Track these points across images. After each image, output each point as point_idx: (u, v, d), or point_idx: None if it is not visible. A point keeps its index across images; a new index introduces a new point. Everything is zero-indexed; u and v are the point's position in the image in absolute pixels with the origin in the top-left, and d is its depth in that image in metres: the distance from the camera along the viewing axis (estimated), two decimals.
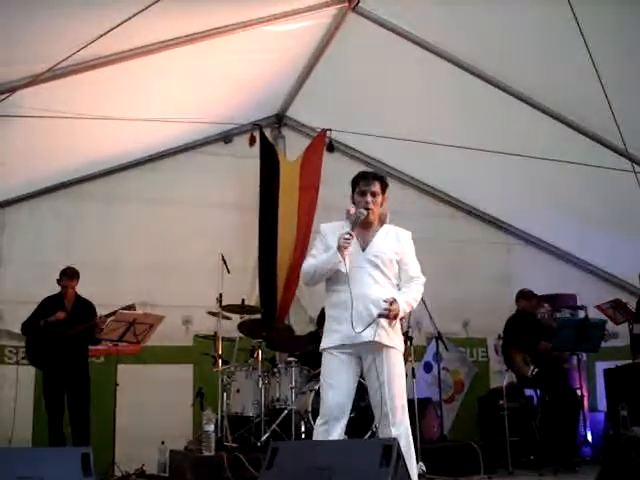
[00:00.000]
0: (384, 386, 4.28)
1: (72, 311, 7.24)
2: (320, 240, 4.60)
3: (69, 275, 7.28)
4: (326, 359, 4.45)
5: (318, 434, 4.36)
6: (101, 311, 7.23)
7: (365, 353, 4.40)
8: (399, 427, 4.28)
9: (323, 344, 4.48)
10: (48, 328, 7.05)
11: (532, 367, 7.59)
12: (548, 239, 9.97)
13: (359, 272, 4.39)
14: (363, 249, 4.48)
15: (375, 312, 4.31)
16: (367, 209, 4.46)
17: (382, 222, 4.64)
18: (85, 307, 7.34)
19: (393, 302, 4.31)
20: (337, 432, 4.31)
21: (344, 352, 4.39)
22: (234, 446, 6.67)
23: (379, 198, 4.55)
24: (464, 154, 7.84)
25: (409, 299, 4.48)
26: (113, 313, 7.11)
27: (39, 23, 5.25)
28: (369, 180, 4.55)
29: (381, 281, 4.44)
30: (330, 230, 4.57)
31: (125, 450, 7.27)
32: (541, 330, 7.65)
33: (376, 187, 4.54)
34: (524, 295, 8.14)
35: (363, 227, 4.51)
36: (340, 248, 4.29)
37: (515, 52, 6.55)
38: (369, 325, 4.26)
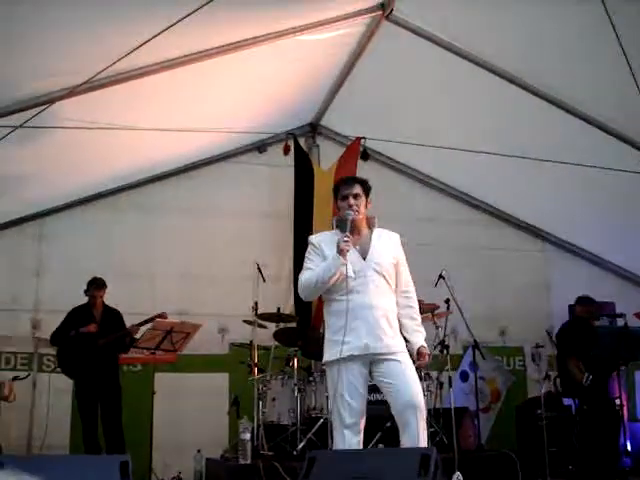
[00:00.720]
0: (404, 389, 4.27)
1: (101, 321, 7.31)
2: (314, 252, 4.50)
3: (98, 285, 7.33)
4: (333, 371, 4.34)
5: (336, 445, 4.30)
6: (138, 320, 7.27)
7: (377, 361, 4.35)
8: (421, 432, 4.23)
9: (328, 356, 4.37)
10: (79, 339, 7.11)
11: (587, 374, 7.45)
12: (585, 246, 9.85)
13: (364, 281, 4.36)
14: (364, 257, 4.43)
15: (383, 324, 4.34)
16: (353, 211, 4.43)
17: (372, 226, 4.58)
18: (114, 316, 7.41)
19: (421, 353, 4.47)
20: (356, 440, 4.29)
21: (353, 362, 4.32)
22: (270, 454, 6.67)
23: (362, 200, 4.50)
24: (499, 161, 7.78)
25: (422, 330, 4.61)
26: (145, 322, 7.16)
27: (75, 37, 5.32)
28: (350, 184, 4.53)
29: (385, 290, 4.44)
30: (323, 240, 4.52)
31: (162, 458, 7.35)
32: (593, 336, 7.53)
33: (357, 190, 4.50)
34: (580, 301, 8.03)
35: (355, 233, 4.47)
36: (342, 251, 4.24)
37: (554, 59, 6.50)
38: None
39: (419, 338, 4.54)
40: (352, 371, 4.31)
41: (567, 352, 7.67)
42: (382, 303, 4.38)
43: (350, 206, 4.43)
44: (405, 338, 4.57)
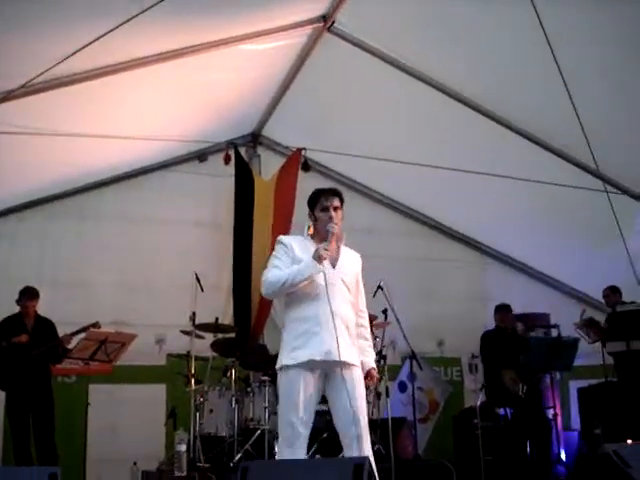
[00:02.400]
0: (354, 404, 4.23)
1: (33, 331, 7.13)
2: (284, 252, 4.46)
3: (30, 295, 7.16)
4: (290, 376, 4.28)
5: (283, 456, 4.23)
6: (72, 330, 7.13)
7: (332, 372, 4.31)
8: (368, 446, 4.24)
9: (286, 361, 4.30)
10: (10, 349, 6.94)
11: (521, 385, 7.56)
12: (522, 258, 10.03)
13: (332, 289, 4.34)
14: (333, 265, 4.44)
15: (346, 334, 4.33)
16: (335, 224, 4.43)
17: (340, 241, 4.57)
18: (46, 326, 7.24)
19: (371, 375, 4.52)
20: (304, 452, 4.24)
21: (311, 369, 4.27)
22: (206, 466, 6.60)
23: (340, 213, 4.53)
24: (438, 174, 7.87)
25: (372, 351, 4.68)
26: (78, 332, 7.01)
27: (12, 40, 5.23)
28: (331, 196, 4.55)
29: (349, 301, 4.45)
30: (295, 242, 4.51)
31: (96, 470, 7.17)
32: (520, 344, 7.66)
33: (337, 202, 4.53)
34: (497, 309, 8.18)
35: (332, 245, 4.43)
36: (320, 258, 4.23)
37: (487, 72, 6.65)
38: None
39: (370, 359, 4.57)
40: (310, 381, 4.26)
41: (499, 364, 7.78)
42: (346, 313, 4.39)
43: (331, 218, 4.45)
44: None
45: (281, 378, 4.34)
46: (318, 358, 4.25)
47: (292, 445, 4.18)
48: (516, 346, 7.62)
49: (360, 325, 4.59)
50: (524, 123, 7.10)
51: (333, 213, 4.47)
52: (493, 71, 6.55)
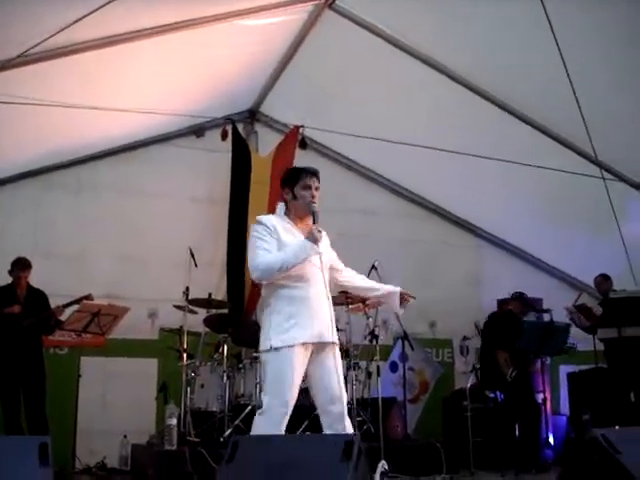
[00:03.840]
0: (340, 383, 4.32)
1: (25, 301, 7.09)
2: (269, 234, 4.37)
3: (22, 266, 7.12)
4: (284, 357, 4.26)
5: (267, 430, 4.18)
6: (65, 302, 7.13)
7: (323, 351, 4.36)
8: (350, 423, 4.32)
9: (279, 342, 4.27)
10: (2, 320, 6.91)
11: (511, 369, 7.59)
12: (516, 242, 10.04)
13: (316, 271, 4.37)
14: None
15: (331, 314, 4.40)
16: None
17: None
18: (38, 297, 7.21)
19: (404, 294, 4.73)
20: (284, 427, 4.25)
21: (304, 350, 4.29)
22: (196, 441, 6.63)
23: (318, 194, 4.49)
24: (436, 155, 7.87)
25: None
26: (70, 303, 7.01)
27: (11, 8, 5.17)
28: (312, 176, 4.49)
29: (328, 283, 4.47)
30: (276, 222, 4.43)
31: (86, 443, 7.20)
32: (522, 331, 7.69)
33: (317, 183, 4.49)
34: (516, 297, 8.15)
35: (307, 225, 4.44)
36: (316, 240, 4.23)
37: (490, 55, 6.62)
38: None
39: (386, 285, 4.78)
40: (301, 362, 4.29)
41: (495, 344, 7.80)
42: (328, 294, 4.41)
43: (314, 197, 4.42)
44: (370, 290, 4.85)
45: (274, 358, 4.29)
46: (313, 340, 4.29)
47: (280, 423, 4.20)
48: (515, 331, 7.65)
49: (355, 275, 4.76)
50: (527, 109, 7.09)
51: (315, 192, 4.45)
52: (497, 55, 6.51)
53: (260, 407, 4.29)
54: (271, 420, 4.24)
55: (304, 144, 8.71)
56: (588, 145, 6.82)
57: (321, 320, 4.33)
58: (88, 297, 7.02)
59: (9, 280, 7.15)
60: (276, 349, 4.28)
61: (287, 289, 4.36)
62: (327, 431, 4.29)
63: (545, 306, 8.57)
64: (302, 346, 4.28)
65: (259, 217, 4.49)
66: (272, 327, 4.33)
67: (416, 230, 9.72)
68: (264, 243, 4.35)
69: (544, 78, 6.44)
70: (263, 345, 4.34)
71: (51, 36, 5.35)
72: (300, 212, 4.44)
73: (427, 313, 9.44)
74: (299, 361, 4.27)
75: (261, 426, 4.21)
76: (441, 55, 6.88)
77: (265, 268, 4.29)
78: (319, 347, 4.34)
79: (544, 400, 7.97)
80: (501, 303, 8.82)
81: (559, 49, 5.77)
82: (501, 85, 6.93)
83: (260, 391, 6.90)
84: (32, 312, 7.01)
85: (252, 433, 4.23)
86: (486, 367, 7.86)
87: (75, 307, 7.00)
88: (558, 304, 8.27)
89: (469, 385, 7.71)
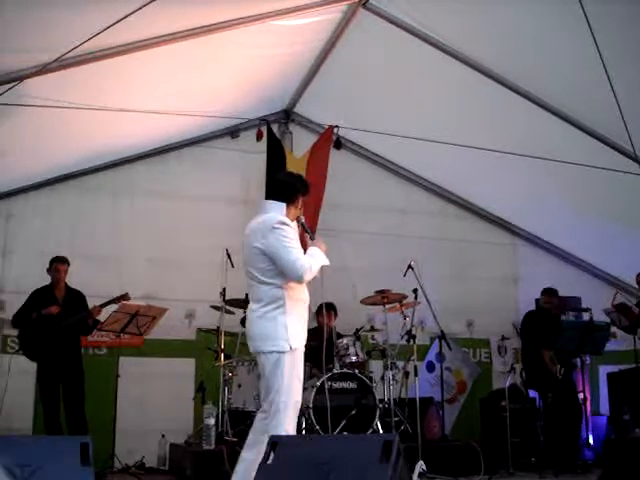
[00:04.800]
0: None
1: (64, 302, 7.18)
2: (294, 234, 4.63)
3: (60, 260, 7.22)
4: (296, 358, 4.51)
5: (289, 432, 4.36)
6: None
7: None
8: None
9: (297, 342, 4.50)
10: (41, 321, 7.01)
11: (559, 367, 7.52)
12: (554, 241, 9.93)
13: None
14: None
15: None
16: None
17: None
18: (76, 297, 7.30)
19: None
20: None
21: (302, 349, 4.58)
22: (234, 440, 6.66)
23: None
24: (472, 154, 7.80)
25: None
26: (107, 303, 7.08)
27: (48, 13, 5.23)
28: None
29: None
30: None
31: (125, 442, 7.26)
32: (560, 329, 7.60)
33: None
34: (545, 291, 8.12)
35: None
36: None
37: (526, 53, 6.52)
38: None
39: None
40: (301, 356, 4.59)
41: (538, 343, 7.73)
42: None
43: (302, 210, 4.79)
44: None
45: (291, 358, 4.47)
46: (305, 341, 4.61)
47: (294, 416, 4.44)
48: (554, 329, 7.56)
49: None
50: (561, 104, 6.98)
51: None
52: (531, 50, 6.42)
53: (270, 408, 4.44)
54: (288, 418, 4.38)
55: (339, 144, 8.70)
56: (626, 141, 6.70)
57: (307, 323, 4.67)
58: (125, 296, 7.08)
59: (48, 282, 7.24)
60: (292, 350, 4.45)
61: (296, 291, 4.58)
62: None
63: (583, 305, 8.48)
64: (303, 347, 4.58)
65: (282, 218, 4.60)
66: (285, 327, 4.48)
67: (451, 229, 9.66)
68: (294, 242, 4.54)
69: (580, 73, 6.34)
70: (278, 346, 4.46)
71: (87, 40, 5.39)
72: (292, 218, 4.69)
73: (464, 312, 9.41)
74: (301, 360, 4.55)
75: (280, 426, 4.32)
76: (474, 51, 6.81)
77: (311, 270, 4.50)
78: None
79: (584, 400, 7.87)
80: (537, 302, 8.75)
81: (595, 42, 5.66)
82: (536, 81, 6.83)
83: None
84: (70, 313, 7.09)
85: (272, 433, 4.26)
86: (530, 366, 7.80)
87: (114, 308, 7.07)
88: (597, 303, 8.18)
89: (508, 385, 7.63)
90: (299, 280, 4.49)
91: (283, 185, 4.81)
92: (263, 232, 4.52)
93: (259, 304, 4.58)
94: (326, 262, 4.61)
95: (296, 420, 4.46)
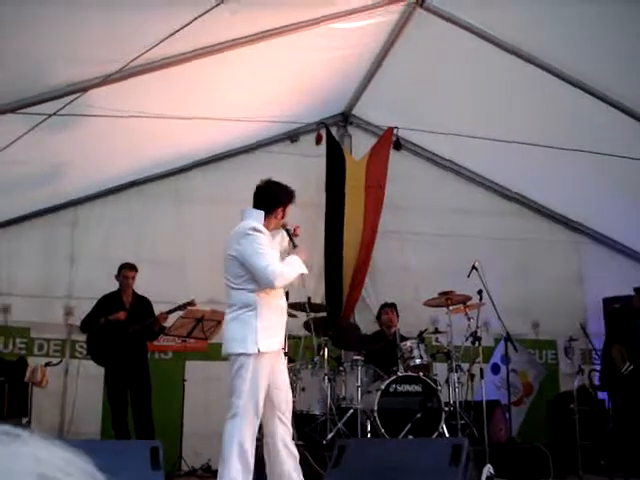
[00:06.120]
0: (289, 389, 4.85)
1: (131, 308, 7.33)
2: (268, 243, 4.72)
3: (129, 266, 7.37)
4: (263, 362, 4.55)
5: (246, 436, 4.45)
6: (169, 308, 7.29)
7: (279, 356, 4.80)
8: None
9: (268, 346, 4.56)
10: (109, 326, 7.15)
11: (628, 363, 7.35)
12: (620, 239, 9.70)
13: None
14: None
15: None
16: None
17: None
18: (143, 303, 7.44)
19: None
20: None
21: (272, 355, 4.64)
22: (299, 444, 6.65)
23: None
24: (533, 152, 7.68)
25: None
26: (174, 310, 7.19)
27: (109, 24, 5.34)
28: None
29: None
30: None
31: (192, 446, 7.35)
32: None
33: None
34: (637, 291, 7.91)
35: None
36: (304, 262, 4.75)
37: (591, 48, 6.39)
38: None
39: None
40: (271, 367, 4.66)
41: (612, 338, 7.56)
42: None
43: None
44: None
45: (256, 362, 4.53)
46: (280, 347, 4.73)
47: (255, 427, 4.53)
48: (632, 324, 7.37)
49: None
50: (627, 100, 6.81)
51: None
52: (598, 48, 6.28)
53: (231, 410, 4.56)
54: (248, 423, 4.47)
55: (399, 145, 8.65)
56: None
57: (284, 329, 4.79)
58: (191, 303, 7.18)
59: (116, 288, 7.38)
60: (258, 354, 4.51)
61: (270, 298, 4.67)
62: (276, 426, 4.62)
63: None
64: (275, 352, 4.65)
65: (256, 224, 4.72)
66: (253, 332, 4.54)
67: (513, 228, 9.51)
68: (268, 249, 4.66)
69: None
70: (245, 348, 4.53)
71: (147, 50, 5.48)
72: (273, 227, 4.86)
73: (529, 313, 9.26)
74: (270, 367, 4.59)
75: (236, 430, 4.43)
76: (535, 48, 6.69)
77: (283, 277, 4.63)
78: (278, 353, 4.73)
79: None
80: (605, 302, 8.54)
81: None
82: (600, 76, 6.69)
83: (361, 394, 6.89)
84: (137, 318, 7.22)
85: (226, 438, 4.45)
86: (603, 365, 7.63)
87: (179, 313, 7.16)
88: None
89: (576, 387, 7.47)
90: (270, 286, 4.59)
91: (265, 194, 4.92)
92: (237, 239, 4.67)
93: (232, 308, 4.70)
94: (304, 271, 4.73)
95: (257, 426, 4.53)
